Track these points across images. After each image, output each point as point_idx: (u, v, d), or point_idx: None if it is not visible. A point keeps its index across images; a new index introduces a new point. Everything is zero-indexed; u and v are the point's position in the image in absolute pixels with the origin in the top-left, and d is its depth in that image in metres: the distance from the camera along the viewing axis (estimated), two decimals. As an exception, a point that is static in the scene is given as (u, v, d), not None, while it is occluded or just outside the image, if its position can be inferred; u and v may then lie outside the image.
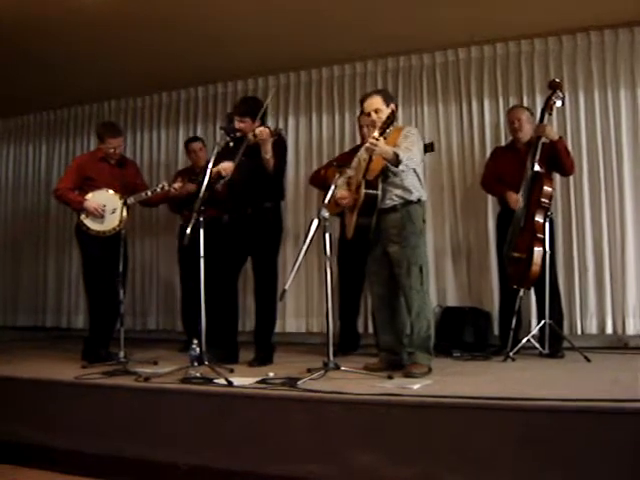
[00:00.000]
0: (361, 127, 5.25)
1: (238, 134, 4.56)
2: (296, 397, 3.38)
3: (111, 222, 5.00)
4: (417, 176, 4.20)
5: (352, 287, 5.43)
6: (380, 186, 4.14)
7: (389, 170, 4.07)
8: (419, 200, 4.21)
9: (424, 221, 4.27)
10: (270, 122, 5.93)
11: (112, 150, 5.14)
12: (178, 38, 5.55)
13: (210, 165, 4.34)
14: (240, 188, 4.66)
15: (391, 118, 4.03)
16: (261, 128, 4.46)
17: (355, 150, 5.46)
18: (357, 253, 5.04)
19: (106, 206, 5.00)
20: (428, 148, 4.86)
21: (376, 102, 4.23)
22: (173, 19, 5.19)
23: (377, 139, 3.89)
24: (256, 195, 4.67)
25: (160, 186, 5.14)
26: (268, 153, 4.48)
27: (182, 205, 5.64)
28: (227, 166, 4.49)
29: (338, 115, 6.25)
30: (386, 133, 4.04)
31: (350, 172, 4.35)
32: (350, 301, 5.48)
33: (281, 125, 6.38)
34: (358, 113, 5.47)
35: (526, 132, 4.97)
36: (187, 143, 6.16)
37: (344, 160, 5.32)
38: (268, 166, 4.53)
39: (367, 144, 3.97)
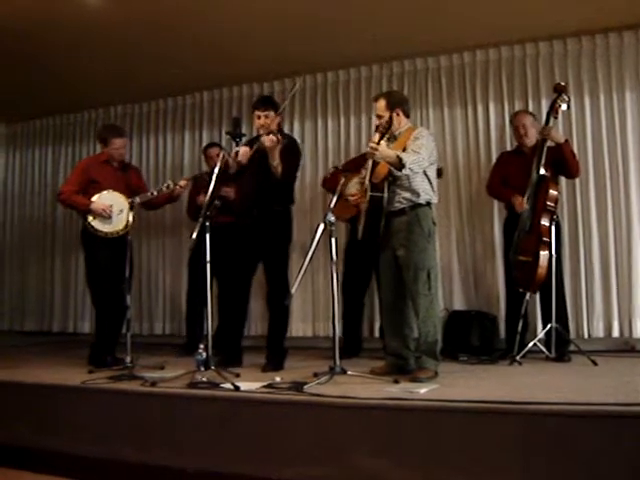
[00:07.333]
0: None
1: (247, 138, 4.52)
2: (302, 401, 3.38)
3: (119, 223, 4.98)
4: (427, 178, 4.17)
5: (356, 291, 5.44)
6: (386, 189, 4.14)
7: (393, 174, 4.07)
8: (428, 203, 4.19)
9: (435, 223, 4.25)
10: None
11: (116, 151, 5.13)
12: (183, 43, 5.56)
13: (216, 170, 4.25)
14: (250, 191, 4.65)
15: (389, 123, 4.03)
16: (270, 136, 4.38)
17: (363, 155, 5.48)
18: (363, 257, 5.07)
19: (113, 206, 4.98)
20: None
21: (379, 106, 4.25)
22: (178, 25, 5.21)
23: (377, 144, 3.90)
24: (265, 199, 4.61)
25: (166, 185, 5.15)
26: (275, 160, 4.42)
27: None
28: (244, 150, 4.41)
29: (343, 119, 6.25)
30: (386, 137, 4.05)
31: (364, 173, 4.31)
32: (354, 305, 5.46)
33: (286, 130, 6.35)
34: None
35: (532, 137, 4.96)
36: (205, 149, 6.14)
37: (351, 166, 5.34)
38: (276, 173, 4.47)
39: (367, 149, 3.98)
